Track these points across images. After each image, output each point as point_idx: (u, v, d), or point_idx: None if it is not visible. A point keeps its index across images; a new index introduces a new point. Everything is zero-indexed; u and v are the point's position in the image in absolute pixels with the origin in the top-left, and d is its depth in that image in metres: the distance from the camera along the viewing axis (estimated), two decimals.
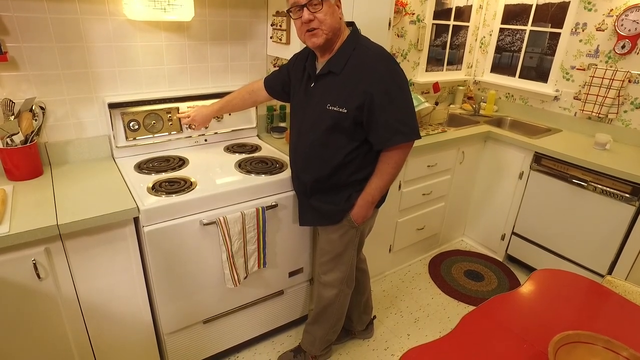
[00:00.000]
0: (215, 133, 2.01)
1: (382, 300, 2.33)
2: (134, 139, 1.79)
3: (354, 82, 1.33)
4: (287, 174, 1.69)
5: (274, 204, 1.64)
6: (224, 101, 1.78)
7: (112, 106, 1.70)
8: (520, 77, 2.95)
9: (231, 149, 1.96)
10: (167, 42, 1.81)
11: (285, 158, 1.86)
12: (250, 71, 2.09)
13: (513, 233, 2.64)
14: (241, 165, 1.75)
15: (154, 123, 1.82)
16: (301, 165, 1.51)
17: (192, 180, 1.58)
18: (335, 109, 1.36)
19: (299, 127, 1.50)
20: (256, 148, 1.99)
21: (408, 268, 2.66)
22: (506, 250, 2.72)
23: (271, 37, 2.01)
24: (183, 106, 1.88)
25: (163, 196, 1.46)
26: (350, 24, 1.43)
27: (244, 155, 1.87)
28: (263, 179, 1.64)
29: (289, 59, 1.76)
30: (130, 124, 1.77)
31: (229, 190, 1.54)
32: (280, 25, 1.91)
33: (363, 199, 1.47)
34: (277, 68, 2.09)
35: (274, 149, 2.00)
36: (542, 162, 2.36)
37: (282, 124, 2.24)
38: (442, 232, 2.77)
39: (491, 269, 2.67)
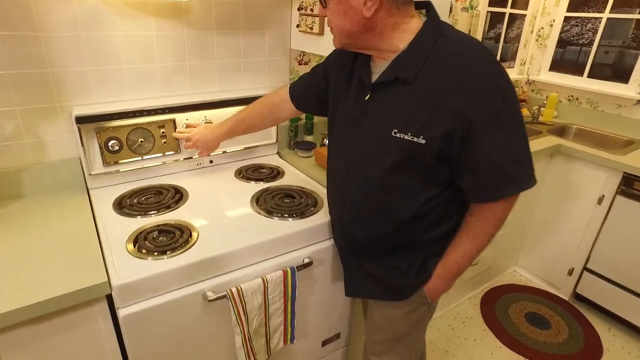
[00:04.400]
0: (224, 152, 1.53)
1: (432, 358, 1.86)
2: (115, 163, 1.32)
3: (438, 95, 0.85)
4: (323, 215, 1.22)
5: (307, 261, 1.16)
6: (236, 120, 1.30)
7: (83, 120, 1.22)
8: (589, 76, 2.44)
9: (245, 174, 1.48)
10: (158, 32, 1.33)
11: (318, 188, 1.38)
12: (269, 70, 1.60)
13: (585, 268, 2.16)
14: (259, 201, 1.28)
15: (141, 142, 1.34)
16: (350, 216, 1.03)
17: (192, 228, 1.11)
18: (406, 137, 0.88)
19: (346, 157, 1.02)
20: (277, 173, 1.51)
21: (457, 309, 2.18)
22: (574, 288, 2.24)
23: (298, 26, 1.52)
24: (181, 118, 1.40)
25: (149, 259, 0.99)
26: (425, 5, 0.93)
27: (262, 185, 1.40)
28: (292, 224, 1.16)
29: (319, 54, 1.28)
30: (110, 144, 1.29)
31: (245, 246, 1.06)
32: (312, 9, 1.42)
33: (445, 268, 1.00)
34: (303, 66, 1.60)
35: (301, 173, 1.52)
36: (635, 186, 1.87)
37: (309, 138, 1.76)
38: (494, 263, 2.29)
39: (557, 311, 2.19)
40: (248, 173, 1.48)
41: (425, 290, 1.03)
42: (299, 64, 1.68)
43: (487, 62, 0.84)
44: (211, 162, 1.52)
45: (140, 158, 1.36)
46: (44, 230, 1.09)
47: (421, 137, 0.86)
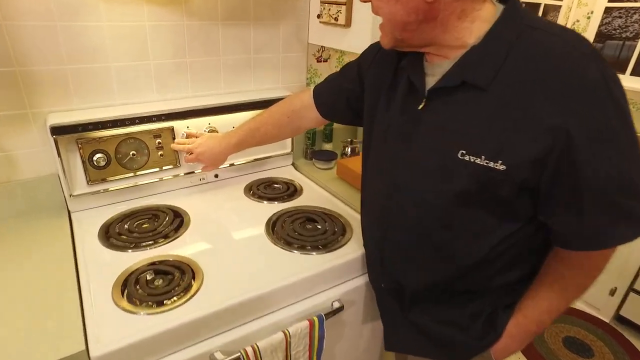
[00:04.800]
0: (231, 165, 1.30)
1: None
2: (102, 181, 1.09)
3: (524, 106, 0.62)
4: (355, 247, 1.00)
5: (337, 306, 0.94)
6: (247, 129, 1.07)
7: (61, 130, 1.00)
8: (633, 74, 2.21)
9: (256, 191, 1.25)
10: (153, 22, 1.10)
11: (344, 209, 1.16)
12: (283, 68, 1.37)
13: (632, 289, 1.94)
14: (275, 228, 1.05)
15: (133, 155, 1.12)
16: (394, 253, 0.82)
17: (195, 267, 0.89)
18: (478, 161, 0.66)
19: (389, 179, 0.80)
20: (294, 189, 1.28)
21: None
22: (617, 310, 2.02)
23: (319, 16, 1.29)
24: (181, 126, 1.17)
25: (142, 312, 0.77)
26: None
27: (277, 206, 1.17)
28: (317, 260, 0.95)
29: (344, 50, 1.06)
30: (95, 158, 1.06)
31: (263, 293, 0.84)
32: None
33: (521, 326, 0.78)
34: (322, 64, 1.37)
35: (321, 189, 1.30)
36: None
37: (328, 146, 1.53)
38: None
39: (598, 336, 1.97)
40: (260, 190, 1.26)
41: (493, 353, 0.80)
42: (318, 61, 1.45)
43: (593, 60, 0.61)
44: (216, 176, 1.29)
45: (132, 174, 1.13)
46: (9, 269, 0.87)
47: (499, 162, 0.64)
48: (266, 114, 1.06)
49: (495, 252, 0.72)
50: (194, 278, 0.86)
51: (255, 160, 1.35)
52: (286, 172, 1.42)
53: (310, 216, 1.12)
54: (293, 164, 1.47)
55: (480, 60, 0.65)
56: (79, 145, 1.04)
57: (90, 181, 1.08)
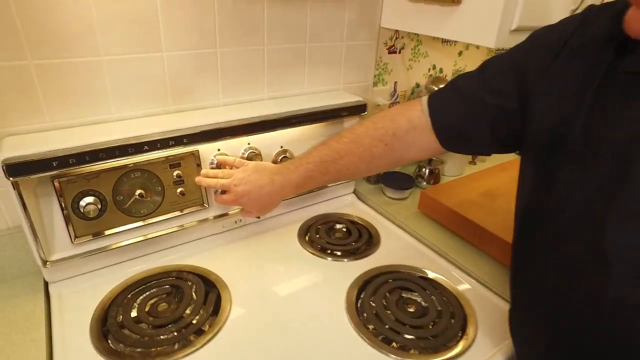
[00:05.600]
0: None
1: None
2: (94, 236, 0.72)
3: None
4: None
5: None
6: (318, 161, 0.69)
7: (22, 168, 0.62)
8: None
9: (316, 239, 0.89)
10: None
11: (452, 272, 0.78)
12: (346, 62, 0.99)
13: None
14: (365, 314, 0.68)
15: (140, 195, 0.74)
16: None
17: None
18: None
19: (609, 244, 0.42)
20: (369, 236, 0.92)
21: None
22: None
23: None
24: (209, 149, 0.80)
25: None
26: None
27: (351, 266, 0.80)
28: None
29: (442, 36, 0.71)
30: (82, 204, 0.69)
31: None
32: None
33: None
34: (393, 56, 0.99)
35: (402, 232, 0.94)
36: None
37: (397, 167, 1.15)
38: None
39: None
40: (321, 237, 0.89)
41: None
42: (389, 52, 1.06)
43: None
44: (258, 216, 0.91)
45: (139, 223, 0.76)
46: None
47: None
48: (348, 137, 0.68)
49: None
50: None
51: (309, 190, 0.97)
52: (349, 204, 1.05)
53: (405, 285, 0.75)
54: (354, 192, 1.09)
55: None
56: (57, 187, 0.67)
57: (76, 238, 0.71)
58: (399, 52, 1.08)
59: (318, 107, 0.88)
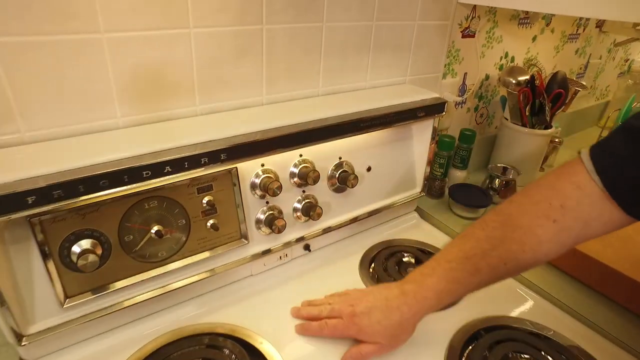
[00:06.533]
0: (326, 230, 0.70)
1: None
2: (93, 294, 0.49)
3: None
4: None
5: None
6: (462, 254, 0.50)
7: None
8: None
9: (384, 275, 0.67)
10: None
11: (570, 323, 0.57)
12: (415, 47, 0.76)
13: None
14: None
15: (157, 233, 0.51)
16: None
17: None
18: None
19: None
20: None
21: None
22: None
23: None
24: (251, 166, 0.57)
25: None
26: None
27: (440, 315, 0.58)
28: None
29: (556, 12, 0.49)
30: (74, 250, 0.47)
31: None
32: None
33: None
34: (468, 40, 0.77)
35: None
36: None
37: (461, 176, 0.95)
38: None
39: None
40: (390, 273, 0.68)
41: None
42: (463, 36, 0.84)
43: None
44: (308, 249, 0.70)
45: (157, 271, 0.54)
46: None
47: None
48: (496, 220, 0.50)
49: None
50: None
51: (372, 210, 0.75)
52: (412, 225, 0.84)
53: (520, 349, 0.54)
54: (416, 209, 0.87)
55: None
56: (38, 229, 0.44)
57: (67, 298, 0.49)
58: (473, 36, 0.86)
59: (389, 107, 0.66)
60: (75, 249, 0.47)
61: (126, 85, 0.51)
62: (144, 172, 0.46)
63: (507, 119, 0.98)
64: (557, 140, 1.08)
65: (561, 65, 1.14)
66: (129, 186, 0.45)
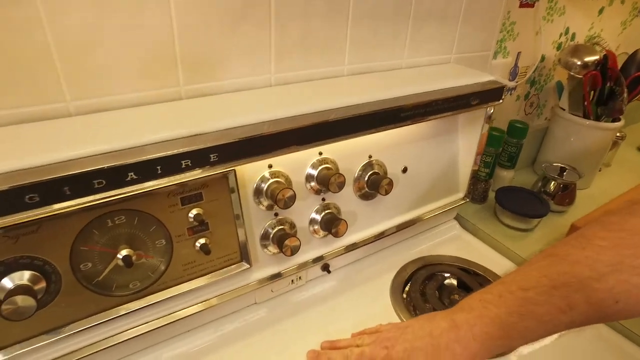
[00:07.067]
0: (351, 246, 0.55)
1: None
2: (37, 342, 0.36)
3: None
4: None
5: None
6: (546, 281, 0.33)
7: None
8: None
9: (421, 304, 0.50)
10: None
11: None
12: (463, 20, 0.60)
13: None
14: None
15: (125, 260, 0.38)
16: None
17: None
18: None
19: None
20: None
21: None
22: None
23: None
24: (251, 170, 0.42)
25: None
26: None
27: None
28: None
29: None
30: (3, 285, 0.32)
31: None
32: None
33: None
34: (526, 10, 0.60)
35: None
36: None
37: (507, 177, 0.79)
38: None
39: None
40: (427, 299, 0.54)
41: None
42: (521, 5, 0.67)
43: None
44: (327, 269, 0.56)
45: (129, 306, 0.40)
46: None
47: None
48: (605, 237, 0.34)
49: None
50: None
51: (404, 225, 0.61)
52: (453, 237, 0.70)
53: None
54: (456, 217, 0.72)
55: None
56: None
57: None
58: (532, 6, 0.69)
59: (435, 92, 0.51)
60: (6, 283, 0.34)
61: (76, 56, 0.36)
62: (95, 182, 0.32)
63: (563, 109, 0.82)
64: (619, 134, 0.91)
65: (626, 45, 0.96)
66: (70, 202, 0.31)
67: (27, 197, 0.29)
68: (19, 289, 0.33)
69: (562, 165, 0.79)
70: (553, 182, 0.76)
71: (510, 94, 0.80)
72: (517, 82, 0.78)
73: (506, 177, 0.79)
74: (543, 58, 0.80)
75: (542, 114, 0.92)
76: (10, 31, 0.32)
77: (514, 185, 0.78)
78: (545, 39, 0.77)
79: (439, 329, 0.37)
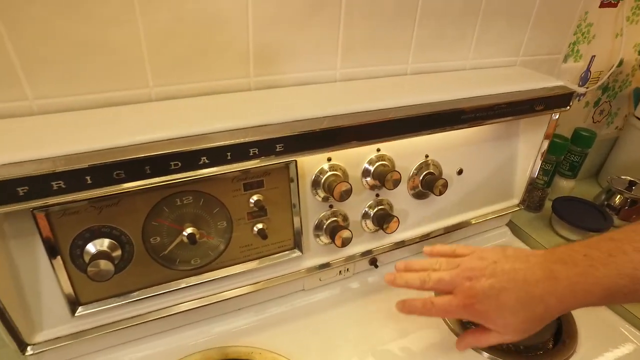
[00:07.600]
0: (399, 243, 0.56)
1: None
2: (112, 303, 0.40)
3: None
4: None
5: None
6: None
7: None
8: None
9: None
10: None
11: None
12: (536, 20, 0.58)
13: None
14: None
15: (190, 237, 0.40)
16: None
17: None
18: None
19: None
20: (556, 328, 0.52)
21: None
22: None
23: None
24: (311, 162, 0.44)
25: None
26: None
27: None
28: None
29: None
30: (88, 250, 0.37)
31: None
32: None
33: None
34: (608, 10, 0.56)
35: (614, 313, 0.53)
36: None
37: (568, 186, 0.75)
38: None
39: None
40: None
41: None
42: (602, 5, 0.64)
43: None
44: (375, 264, 0.56)
45: (188, 282, 0.43)
46: None
47: None
48: None
49: None
50: None
51: (454, 228, 0.60)
52: (502, 244, 0.68)
53: None
54: (508, 223, 0.71)
55: None
56: (44, 223, 0.35)
57: (80, 305, 0.40)
58: (615, 5, 0.65)
59: (499, 96, 0.50)
60: (90, 248, 0.38)
61: (161, 45, 0.39)
62: (172, 163, 0.34)
63: (638, 118, 0.77)
64: None
65: None
66: (150, 180, 0.34)
67: (114, 173, 0.33)
68: (100, 254, 0.37)
69: (632, 179, 0.74)
70: (619, 196, 0.72)
71: (579, 100, 0.76)
72: (587, 87, 0.74)
73: (566, 186, 0.76)
74: (621, 62, 0.75)
75: (613, 122, 0.86)
76: (106, 24, 0.36)
77: (574, 196, 0.74)
78: (627, 41, 0.73)
79: (535, 276, 0.35)
